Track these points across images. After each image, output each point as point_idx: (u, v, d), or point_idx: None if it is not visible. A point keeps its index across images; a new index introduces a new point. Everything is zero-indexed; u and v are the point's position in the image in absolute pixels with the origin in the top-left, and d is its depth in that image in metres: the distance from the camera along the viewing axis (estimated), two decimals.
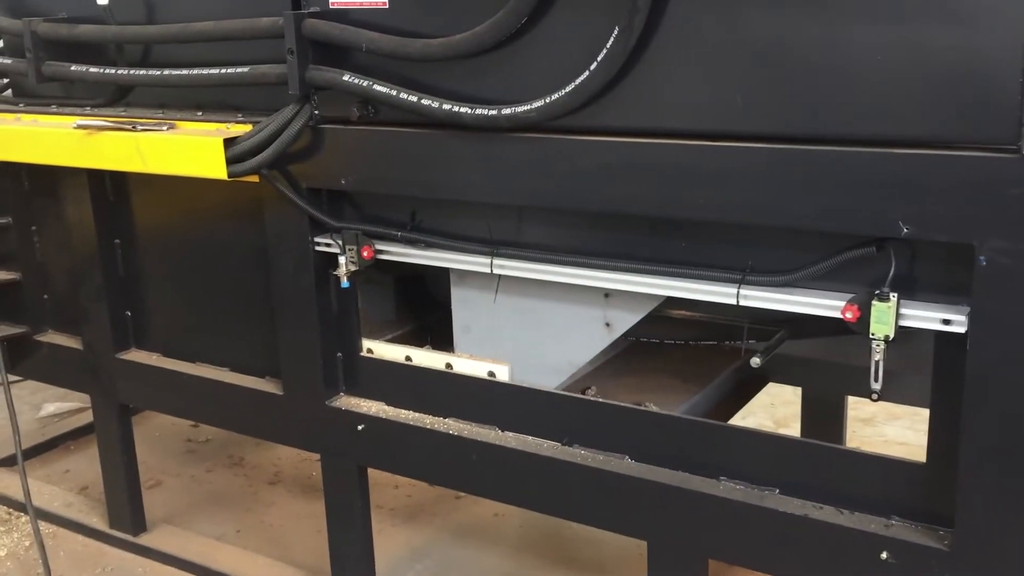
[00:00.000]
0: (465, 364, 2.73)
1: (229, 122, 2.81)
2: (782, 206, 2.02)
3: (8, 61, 3.28)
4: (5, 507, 4.01)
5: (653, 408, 2.58)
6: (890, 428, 4.41)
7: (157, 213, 3.28)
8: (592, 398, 2.61)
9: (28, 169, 3.47)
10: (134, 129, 2.86)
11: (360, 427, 2.82)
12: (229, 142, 2.68)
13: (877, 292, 1.96)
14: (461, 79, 2.36)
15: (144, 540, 3.61)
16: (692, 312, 3.13)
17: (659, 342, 3.09)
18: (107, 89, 3.17)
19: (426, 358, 2.80)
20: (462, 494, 3.86)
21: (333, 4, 2.51)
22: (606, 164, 2.20)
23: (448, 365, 2.75)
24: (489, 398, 2.68)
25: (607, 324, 2.60)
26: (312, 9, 2.53)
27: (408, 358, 2.82)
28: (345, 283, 2.72)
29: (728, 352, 3.09)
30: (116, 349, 3.39)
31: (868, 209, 1.93)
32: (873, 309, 1.95)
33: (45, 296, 3.64)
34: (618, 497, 2.43)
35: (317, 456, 4.30)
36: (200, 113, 2.93)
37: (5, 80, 3.61)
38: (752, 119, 2.04)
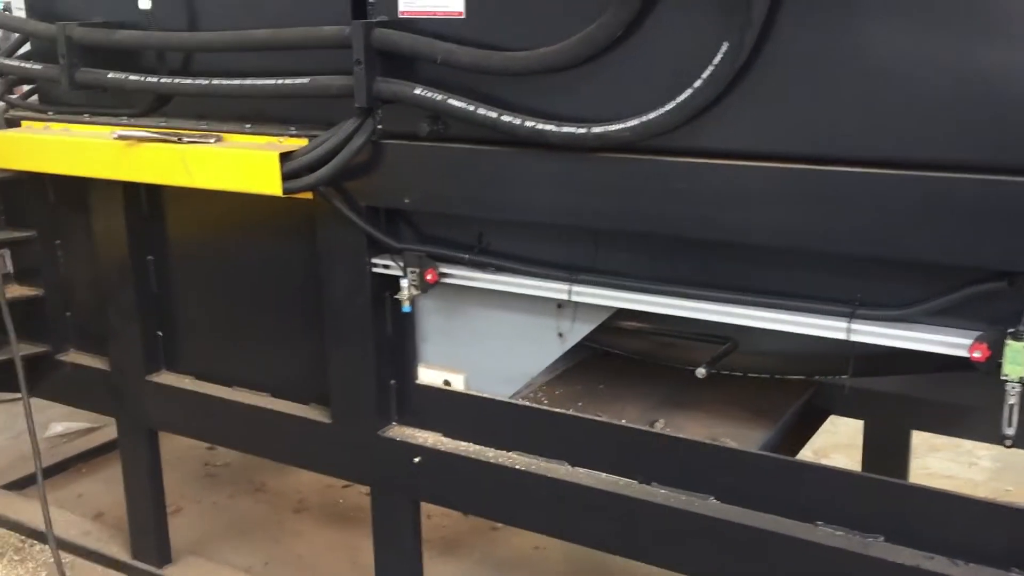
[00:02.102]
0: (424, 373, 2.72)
1: (281, 135, 2.66)
2: (902, 238, 1.89)
3: (38, 67, 3.12)
4: (18, 535, 3.81)
5: (731, 444, 2.45)
6: (933, 460, 4.29)
7: (194, 229, 3.12)
8: (670, 433, 2.47)
9: (54, 180, 3.31)
10: (179, 141, 2.70)
11: (417, 459, 2.67)
12: (285, 157, 2.53)
13: (1011, 330, 1.83)
14: (540, 94, 2.22)
15: (170, 572, 3.43)
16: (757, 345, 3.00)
17: (727, 374, 2.95)
18: (143, 98, 3.01)
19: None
20: (499, 525, 3.71)
21: (403, 13, 2.37)
22: (704, 187, 2.06)
23: (446, 383, 2.69)
24: (556, 431, 2.54)
25: (560, 334, 2.56)
26: (380, 18, 2.38)
27: (447, 382, 2.70)
28: (407, 307, 2.56)
29: (788, 384, 2.95)
30: (147, 371, 3.22)
31: (999, 241, 1.81)
32: (1007, 349, 1.82)
33: (68, 314, 3.47)
34: (703, 541, 2.29)
35: (342, 483, 4.20)
36: (248, 126, 2.77)
37: (28, 87, 3.44)
38: (868, 143, 1.91)
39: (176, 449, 4.50)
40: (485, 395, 2.68)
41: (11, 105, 3.32)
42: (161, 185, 3.01)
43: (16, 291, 3.41)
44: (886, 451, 3.29)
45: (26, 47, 3.32)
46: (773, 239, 2.03)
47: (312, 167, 2.52)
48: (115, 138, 2.77)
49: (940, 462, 4.28)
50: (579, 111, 2.17)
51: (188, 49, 2.76)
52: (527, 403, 2.64)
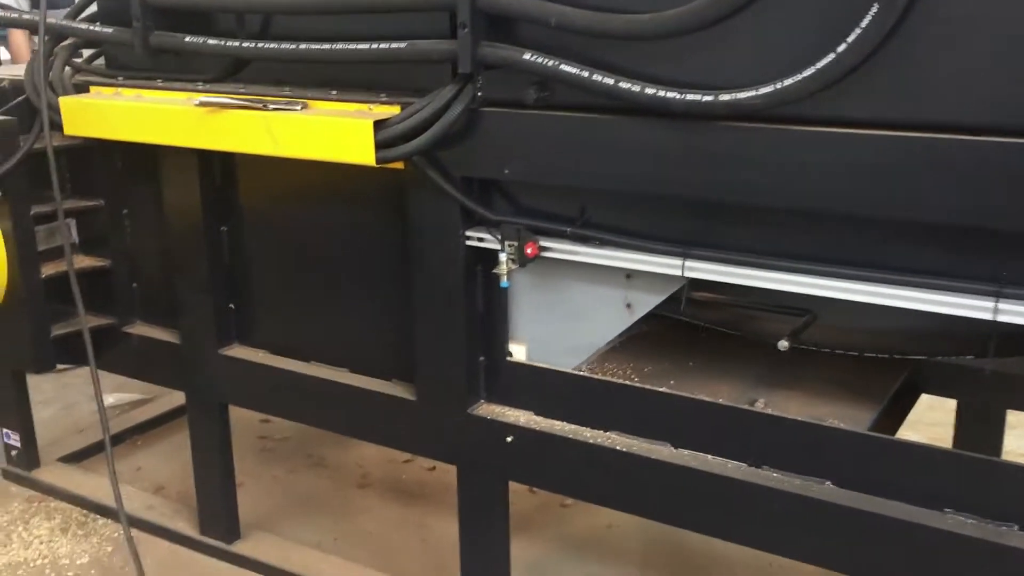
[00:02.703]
0: None
1: (370, 102, 2.55)
2: None
3: (108, 30, 3.02)
4: (81, 508, 3.76)
5: (839, 425, 2.36)
6: (1008, 438, 4.18)
7: (269, 199, 3.03)
8: (779, 414, 2.37)
9: (123, 149, 3.21)
10: (265, 108, 2.61)
11: (509, 439, 2.59)
12: (379, 125, 2.43)
13: None
14: (656, 59, 2.11)
15: (239, 548, 3.37)
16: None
17: (816, 350, 2.85)
18: (218, 63, 2.92)
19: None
20: (569, 501, 3.64)
21: None
22: (841, 159, 1.95)
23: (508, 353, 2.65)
24: (656, 410, 2.45)
25: (628, 305, 2.51)
26: None
27: (508, 353, 2.64)
28: (505, 282, 2.47)
29: (880, 362, 2.85)
30: (219, 344, 3.15)
31: None
32: None
33: (135, 285, 3.39)
34: (820, 528, 2.20)
35: (405, 457, 4.13)
36: (334, 92, 2.67)
37: (93, 51, 3.34)
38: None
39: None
40: (580, 373, 2.60)
41: (77, 70, 3.23)
42: (236, 153, 2.92)
43: (82, 262, 3.33)
44: (978, 432, 3.19)
45: (91, 8, 3.22)
46: (915, 214, 1.93)
47: (407, 136, 2.42)
48: (196, 105, 2.67)
49: (1017, 440, 4.18)
50: (700, 77, 2.06)
51: (274, 11, 2.65)
52: (624, 382, 2.55)
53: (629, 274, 2.45)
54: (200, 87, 2.90)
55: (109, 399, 4.81)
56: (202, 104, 2.67)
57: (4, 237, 3.13)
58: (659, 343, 3.04)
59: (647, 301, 2.50)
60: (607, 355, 2.92)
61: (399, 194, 2.63)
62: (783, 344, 2.49)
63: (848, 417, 2.49)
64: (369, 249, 2.82)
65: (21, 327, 3.23)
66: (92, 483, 3.83)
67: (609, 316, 2.55)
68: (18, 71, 3.43)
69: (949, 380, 2.99)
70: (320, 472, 4.04)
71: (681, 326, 3.06)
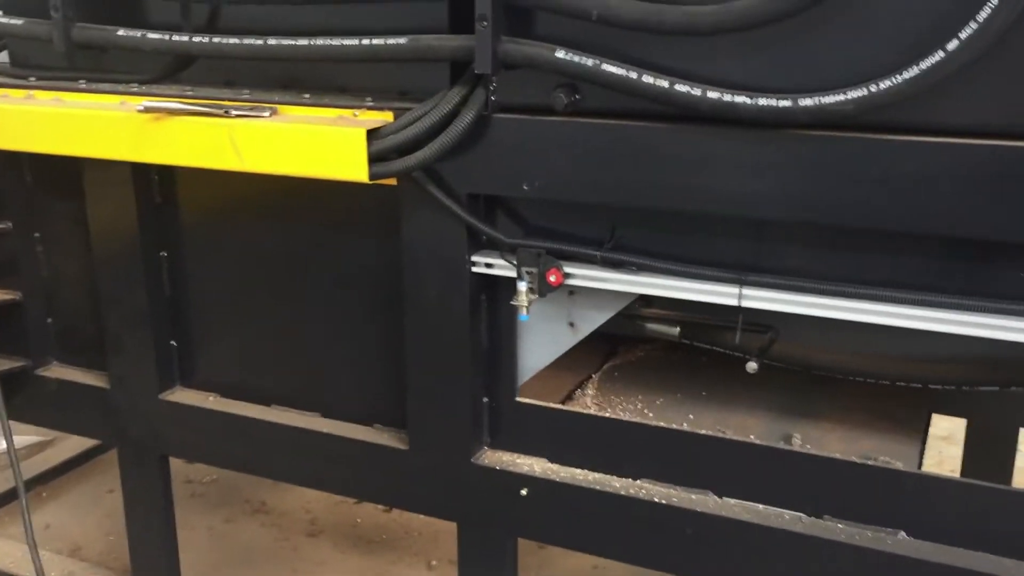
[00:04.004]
0: None
1: (354, 107, 2.19)
2: None
3: (18, 22, 2.54)
4: None
5: (899, 466, 2.14)
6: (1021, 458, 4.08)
7: (219, 218, 2.60)
8: (829, 455, 2.12)
9: (33, 162, 2.74)
10: (226, 115, 2.20)
11: (523, 491, 2.26)
12: (372, 135, 2.07)
13: None
14: (716, 58, 1.83)
15: None
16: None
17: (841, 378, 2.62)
18: (155, 62, 2.48)
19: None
20: None
21: None
22: (947, 171, 1.71)
23: None
24: (693, 454, 2.17)
25: (571, 324, 2.28)
26: None
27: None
28: (524, 315, 2.14)
29: (895, 389, 2.65)
30: (159, 388, 2.70)
31: None
32: None
33: (50, 320, 2.90)
34: None
35: (352, 499, 3.74)
36: (307, 95, 2.29)
37: None
38: None
39: None
40: (601, 414, 2.30)
41: None
42: (173, 168, 2.51)
43: None
44: (989, 452, 3.04)
45: None
46: None
47: (404, 148, 2.07)
48: (139, 111, 2.24)
49: None
50: (770, 78, 1.79)
51: (236, 1, 2.24)
52: (654, 424, 2.26)
53: (572, 290, 2.21)
54: (135, 89, 2.47)
55: (1, 443, 4.24)
56: (146, 110, 2.24)
57: None
58: (658, 369, 2.78)
59: (592, 319, 2.26)
60: (611, 387, 2.64)
61: (387, 213, 2.28)
62: (752, 366, 2.30)
63: (894, 452, 2.28)
64: (346, 275, 2.44)
65: None
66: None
67: (551, 336, 2.29)
68: None
69: (961, 400, 2.84)
70: (262, 520, 3.61)
71: (673, 348, 2.82)
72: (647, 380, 2.70)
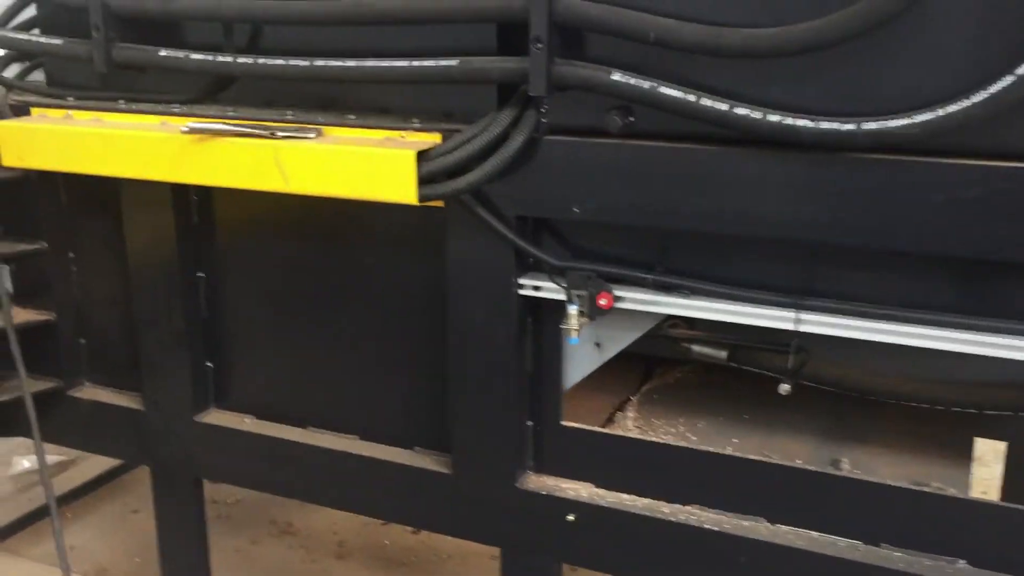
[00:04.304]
0: None
1: (401, 129, 2.17)
2: None
3: (58, 42, 2.52)
4: None
5: (947, 489, 2.11)
6: None
7: (257, 238, 2.58)
8: (881, 481, 2.09)
9: (69, 182, 2.72)
10: (272, 136, 2.19)
11: (571, 517, 2.23)
12: (422, 157, 2.05)
13: None
14: (775, 81, 1.81)
15: None
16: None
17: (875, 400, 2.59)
18: (196, 82, 2.47)
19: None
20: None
21: None
22: (1014, 196, 1.69)
23: None
24: (743, 479, 2.14)
25: (597, 344, 2.28)
26: None
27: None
28: (574, 339, 2.12)
29: (936, 412, 2.62)
30: (194, 410, 2.68)
31: None
32: None
33: (82, 341, 2.88)
34: None
35: (378, 521, 3.71)
36: (351, 116, 2.27)
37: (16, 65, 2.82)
38: None
39: None
40: (650, 438, 2.27)
41: (8, 87, 2.71)
42: (210, 188, 2.49)
43: (20, 315, 2.80)
44: None
45: (23, 16, 2.72)
46: None
47: (453, 170, 2.05)
48: (185, 131, 2.23)
49: None
50: (830, 102, 1.77)
51: (284, 21, 2.21)
52: (703, 447, 2.23)
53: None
54: (175, 109, 2.45)
55: (24, 463, 4.20)
56: (191, 131, 2.22)
57: None
58: (697, 391, 2.75)
59: (618, 340, 2.25)
60: (652, 409, 2.61)
61: (431, 233, 2.26)
62: (784, 388, 2.25)
63: (944, 477, 2.24)
64: (386, 296, 2.42)
65: None
66: (21, 571, 3.28)
67: (576, 357, 2.26)
68: None
69: (1006, 424, 2.80)
70: (289, 541, 3.58)
71: (710, 369, 2.79)
72: (687, 402, 2.67)
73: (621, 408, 2.64)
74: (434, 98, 2.23)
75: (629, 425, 2.53)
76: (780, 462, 2.15)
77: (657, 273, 2.06)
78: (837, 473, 2.14)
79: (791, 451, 2.40)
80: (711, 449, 2.21)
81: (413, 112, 2.26)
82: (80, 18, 2.48)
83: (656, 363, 2.90)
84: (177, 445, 2.73)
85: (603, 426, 2.48)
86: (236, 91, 2.47)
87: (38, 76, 2.81)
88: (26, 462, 4.18)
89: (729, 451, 2.27)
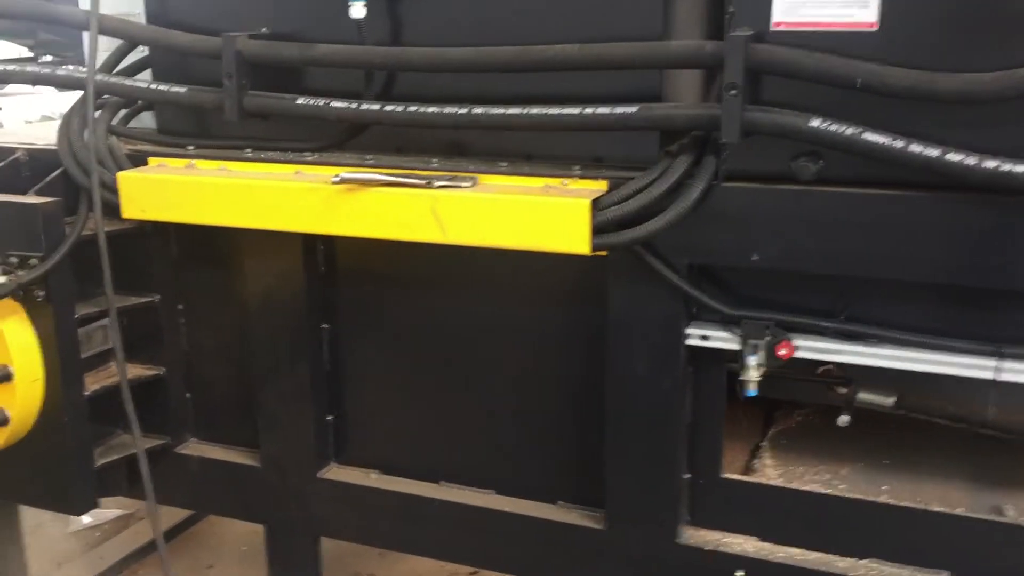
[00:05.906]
0: None
1: (561, 176, 2.12)
2: None
3: (182, 90, 2.45)
4: None
5: None
6: None
7: (383, 288, 2.51)
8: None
9: (180, 233, 2.64)
10: (429, 185, 2.12)
11: (739, 573, 2.17)
12: (596, 205, 2.00)
13: None
14: (981, 125, 1.78)
15: None
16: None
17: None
18: (330, 129, 2.41)
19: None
20: None
21: (778, 25, 1.88)
22: None
23: None
24: (924, 530, 2.09)
25: None
26: (742, 31, 1.88)
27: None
28: (752, 391, 2.06)
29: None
30: (317, 466, 2.59)
31: None
32: None
33: (188, 395, 2.78)
34: None
35: (467, 568, 3.61)
36: (503, 164, 2.22)
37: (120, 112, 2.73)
38: None
39: (236, 535, 3.83)
40: (817, 490, 2.21)
41: (120, 135, 2.63)
42: (334, 238, 2.42)
43: (129, 371, 2.69)
44: None
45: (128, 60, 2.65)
46: None
47: (627, 219, 2.00)
48: (336, 182, 2.16)
49: None
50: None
51: (442, 69, 2.16)
52: (872, 499, 2.17)
53: None
54: (308, 158, 2.39)
55: (83, 519, 4.06)
56: (344, 181, 2.15)
57: (42, 346, 2.48)
58: (822, 435, 2.70)
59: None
60: (786, 456, 2.55)
61: (580, 282, 2.21)
62: (844, 419, 2.31)
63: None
64: (528, 345, 2.36)
65: (56, 457, 2.57)
66: None
67: None
68: (33, 136, 2.80)
69: None
70: None
71: (830, 411, 2.74)
72: (818, 448, 2.60)
73: (754, 455, 2.58)
74: (584, 144, 2.18)
75: (772, 474, 2.47)
76: (961, 513, 2.09)
77: (839, 321, 2.01)
78: (1018, 523, 2.08)
79: (949, 498, 2.34)
80: (880, 500, 2.15)
81: (559, 158, 2.21)
82: (194, 63, 2.44)
83: (774, 405, 2.84)
84: (298, 503, 2.63)
85: (743, 475, 2.42)
86: (367, 137, 2.41)
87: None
88: (86, 518, 4.04)
89: (889, 500, 2.22)
